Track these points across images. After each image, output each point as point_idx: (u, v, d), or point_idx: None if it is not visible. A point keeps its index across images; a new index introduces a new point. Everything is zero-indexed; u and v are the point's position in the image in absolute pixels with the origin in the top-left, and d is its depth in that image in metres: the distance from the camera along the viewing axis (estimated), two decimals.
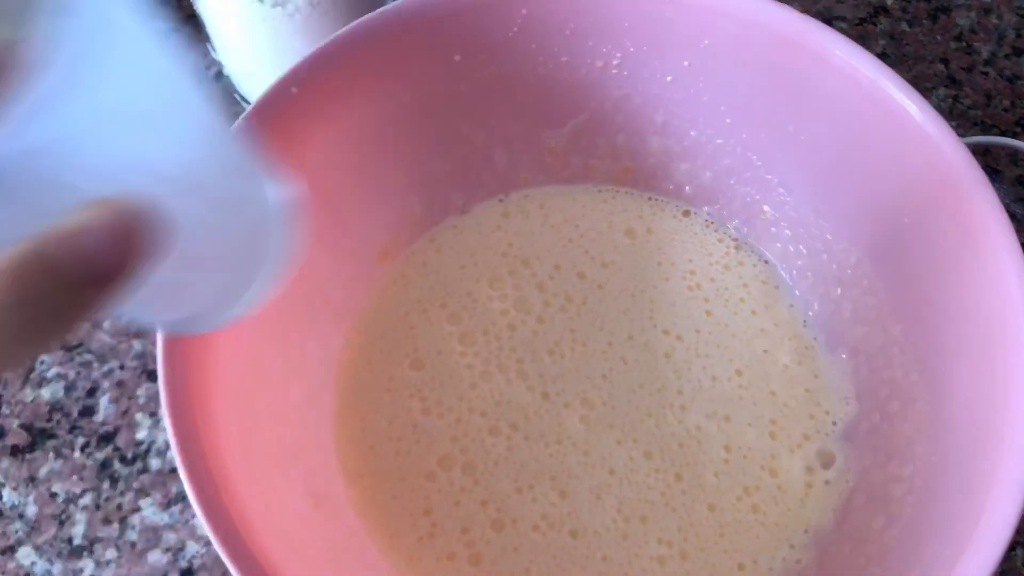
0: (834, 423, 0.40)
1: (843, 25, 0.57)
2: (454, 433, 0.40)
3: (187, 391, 0.31)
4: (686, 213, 0.45)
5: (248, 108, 0.35)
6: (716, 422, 0.40)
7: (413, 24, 0.38)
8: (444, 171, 0.44)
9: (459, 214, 0.45)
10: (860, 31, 0.57)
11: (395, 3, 0.38)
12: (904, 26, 0.57)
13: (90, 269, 0.17)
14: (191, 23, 0.55)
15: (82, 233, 0.17)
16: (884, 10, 0.57)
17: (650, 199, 0.46)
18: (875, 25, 0.57)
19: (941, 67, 0.56)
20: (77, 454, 0.43)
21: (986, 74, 0.55)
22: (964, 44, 0.56)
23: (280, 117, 0.36)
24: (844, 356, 0.41)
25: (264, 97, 0.35)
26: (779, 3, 0.38)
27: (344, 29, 0.37)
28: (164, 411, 0.30)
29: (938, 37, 0.57)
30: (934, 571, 0.30)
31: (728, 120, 0.42)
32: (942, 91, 0.55)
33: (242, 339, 0.35)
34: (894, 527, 0.34)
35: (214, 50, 0.47)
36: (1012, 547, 0.34)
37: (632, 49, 0.41)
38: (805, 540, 0.38)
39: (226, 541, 0.29)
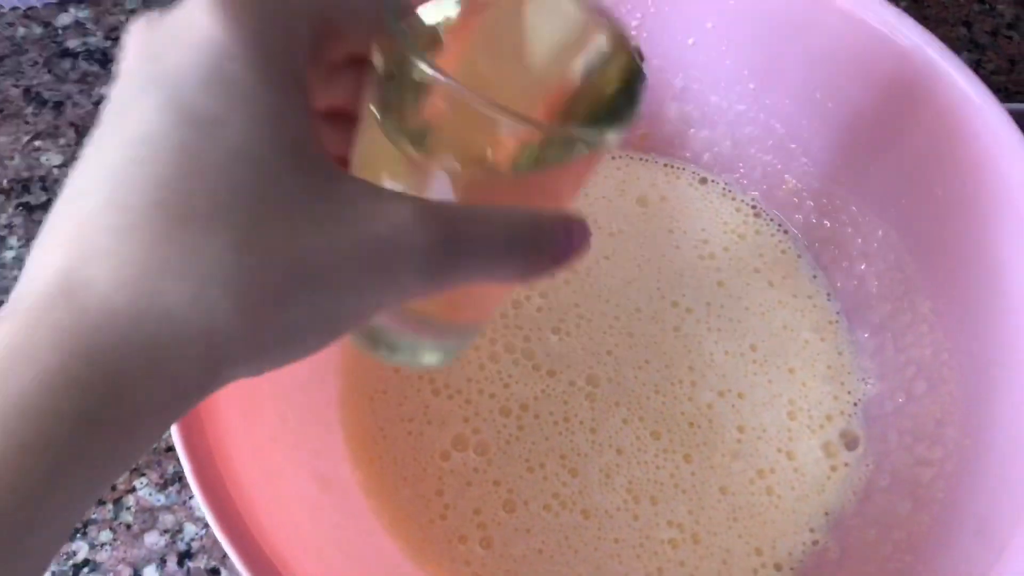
0: (855, 403, 0.39)
1: None
2: (465, 414, 0.38)
3: None
4: (703, 181, 0.44)
5: None
6: (729, 400, 0.39)
7: None
8: None
9: None
10: None
11: None
12: None
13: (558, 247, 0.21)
14: None
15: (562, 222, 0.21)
16: None
17: (666, 165, 0.44)
18: None
19: (964, 30, 0.54)
20: None
21: (1010, 38, 0.53)
22: (987, 6, 0.54)
23: None
24: (867, 334, 0.39)
25: None
26: None
27: None
28: None
29: None
30: (971, 566, 0.29)
31: (751, 85, 0.40)
32: (965, 56, 0.53)
33: None
34: (923, 513, 0.33)
35: None
36: None
37: (653, 9, 0.39)
38: (825, 523, 0.36)
39: (227, 527, 0.27)
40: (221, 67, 0.18)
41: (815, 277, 0.41)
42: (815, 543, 0.36)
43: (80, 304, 0.17)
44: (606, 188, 0.44)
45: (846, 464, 0.37)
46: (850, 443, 0.38)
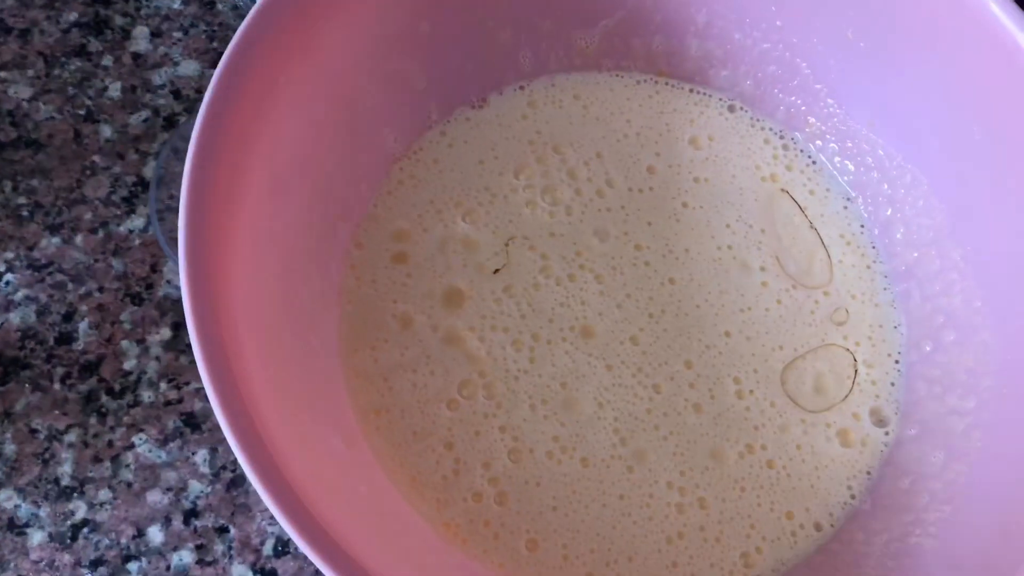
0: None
1: None
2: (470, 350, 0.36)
3: (216, 327, 0.27)
4: (731, 108, 0.42)
5: None
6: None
7: None
8: (464, 70, 0.39)
9: (474, 107, 0.41)
10: None
11: None
12: None
13: None
14: None
15: None
16: None
17: (691, 91, 0.42)
18: None
19: None
20: (57, 386, 0.39)
21: None
22: None
23: (297, 6, 0.31)
24: (893, 281, 0.39)
25: None
26: None
27: None
28: (196, 351, 0.26)
29: None
30: (1015, 518, 0.28)
31: (778, 23, 0.38)
32: None
33: (261, 263, 0.31)
34: (959, 463, 0.33)
35: None
36: None
37: None
38: (867, 482, 0.36)
39: (271, 486, 0.25)
40: None
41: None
42: (853, 497, 0.35)
43: None
44: (648, 118, 0.41)
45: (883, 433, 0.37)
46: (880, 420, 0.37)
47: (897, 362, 0.38)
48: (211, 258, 0.28)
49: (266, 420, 0.27)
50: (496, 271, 0.38)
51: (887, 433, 0.36)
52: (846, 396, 0.37)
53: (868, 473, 0.36)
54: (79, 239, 0.42)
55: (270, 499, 0.25)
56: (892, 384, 0.37)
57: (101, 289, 0.41)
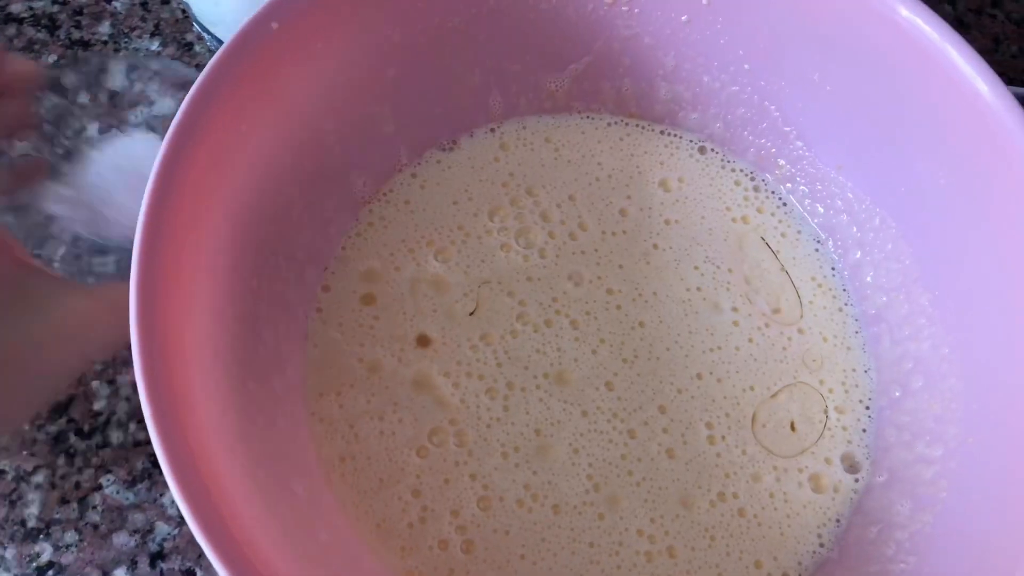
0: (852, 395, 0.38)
1: None
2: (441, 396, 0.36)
3: (166, 370, 0.27)
4: (702, 150, 0.42)
5: (223, 45, 0.30)
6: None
7: None
8: (433, 114, 0.39)
9: (444, 150, 0.41)
10: None
11: None
12: None
13: None
14: None
15: None
16: None
17: (663, 133, 0.42)
18: None
19: (948, 8, 0.53)
20: (26, 426, 0.39)
21: (994, 16, 0.53)
22: None
23: (259, 55, 0.31)
24: (863, 325, 0.39)
25: (242, 33, 0.30)
26: None
27: None
28: (144, 406, 0.26)
29: None
30: (990, 570, 0.28)
31: (746, 66, 0.39)
32: None
33: (221, 307, 0.31)
34: (926, 513, 0.32)
35: None
36: None
37: None
38: (836, 530, 0.35)
39: (213, 538, 0.25)
40: None
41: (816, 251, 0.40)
42: (821, 546, 0.35)
43: None
44: (627, 164, 0.41)
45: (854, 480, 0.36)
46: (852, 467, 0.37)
47: (868, 407, 0.37)
48: (164, 301, 0.28)
49: (217, 467, 0.27)
50: (471, 313, 0.38)
51: (857, 480, 0.36)
52: (818, 439, 0.37)
53: (838, 521, 0.35)
54: None
55: (209, 548, 0.25)
56: (864, 430, 0.37)
57: None
